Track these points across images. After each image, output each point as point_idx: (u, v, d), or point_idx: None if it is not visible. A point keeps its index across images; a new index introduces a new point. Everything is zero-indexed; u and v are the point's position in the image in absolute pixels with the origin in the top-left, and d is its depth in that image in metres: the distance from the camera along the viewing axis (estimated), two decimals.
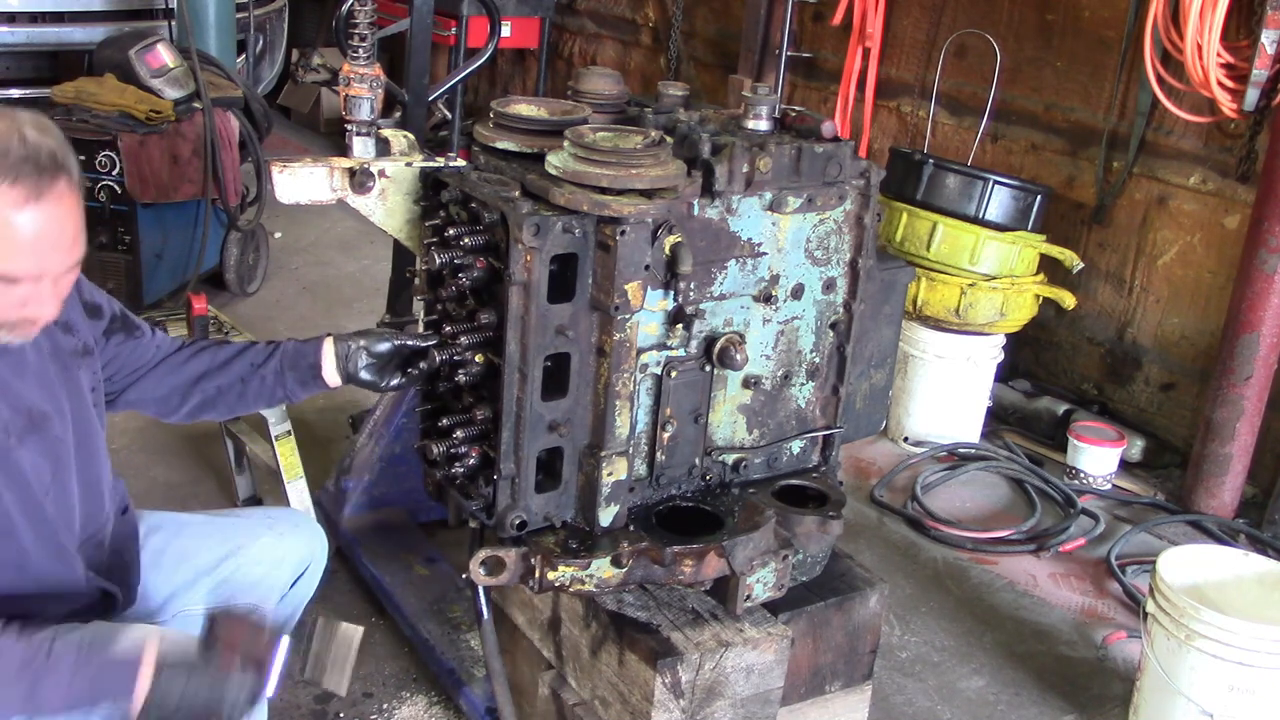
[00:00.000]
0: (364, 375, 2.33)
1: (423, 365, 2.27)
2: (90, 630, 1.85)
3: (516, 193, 2.15)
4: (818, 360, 2.53)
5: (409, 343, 2.33)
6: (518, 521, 2.23)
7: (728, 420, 2.46)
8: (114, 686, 1.80)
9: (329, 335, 2.35)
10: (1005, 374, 4.90)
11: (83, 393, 2.12)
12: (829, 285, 2.48)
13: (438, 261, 2.17)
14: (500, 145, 2.32)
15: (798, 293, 2.44)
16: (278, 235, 6.30)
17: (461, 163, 2.40)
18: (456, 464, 2.24)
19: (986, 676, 3.35)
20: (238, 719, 1.84)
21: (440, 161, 2.38)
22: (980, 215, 4.46)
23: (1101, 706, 3.26)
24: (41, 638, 1.79)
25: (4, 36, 5.31)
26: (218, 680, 1.83)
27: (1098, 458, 4.37)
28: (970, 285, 4.45)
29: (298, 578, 2.48)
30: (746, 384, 2.45)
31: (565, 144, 2.14)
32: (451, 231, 2.16)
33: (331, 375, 2.33)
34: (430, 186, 2.34)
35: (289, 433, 3.43)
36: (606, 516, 2.28)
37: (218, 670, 1.84)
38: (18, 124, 1.77)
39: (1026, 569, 3.89)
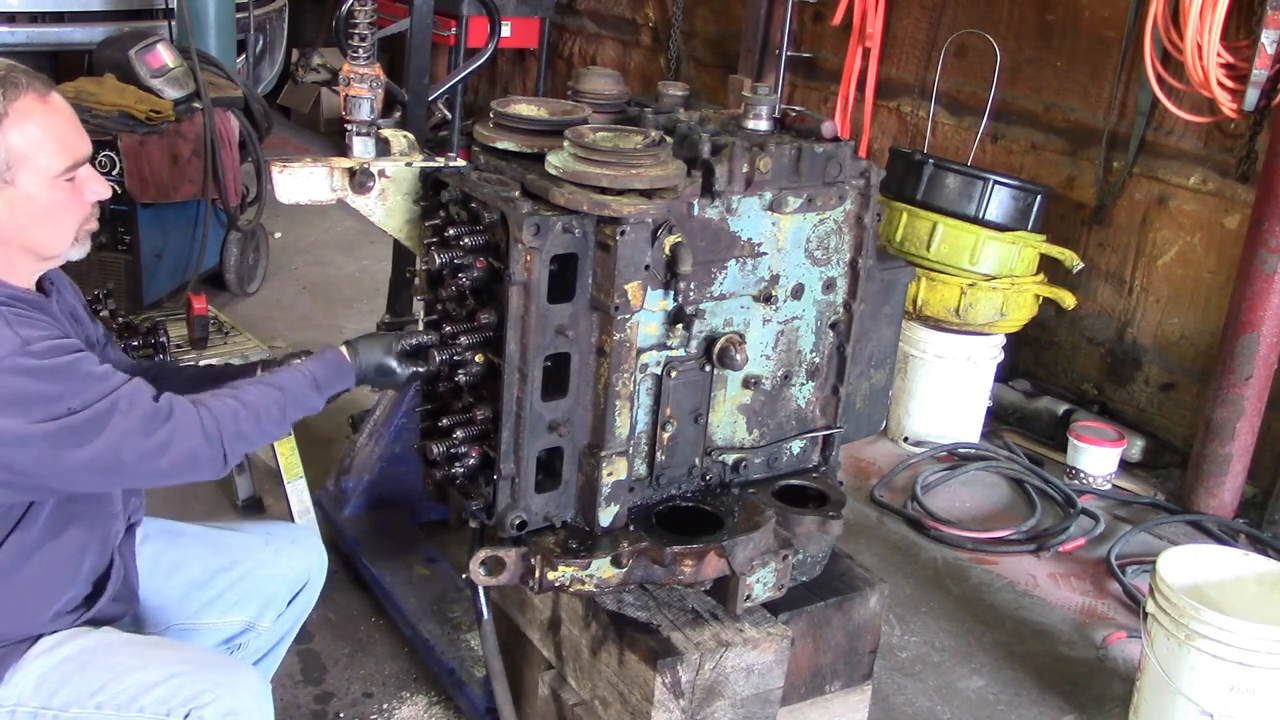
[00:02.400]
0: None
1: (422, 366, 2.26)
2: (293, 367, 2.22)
3: (516, 193, 2.15)
4: (818, 360, 2.53)
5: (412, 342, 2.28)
6: (518, 521, 2.23)
7: (728, 420, 2.46)
8: (334, 372, 2.20)
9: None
10: (1005, 374, 4.90)
11: None
12: (829, 285, 2.48)
13: (438, 261, 2.17)
14: (500, 145, 2.32)
15: (798, 293, 2.44)
16: (278, 235, 6.30)
17: (461, 163, 2.40)
18: (456, 464, 2.24)
19: (986, 676, 3.35)
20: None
21: (440, 161, 2.37)
22: (980, 215, 4.46)
23: (1101, 706, 3.26)
24: (265, 381, 2.15)
25: (4, 36, 5.30)
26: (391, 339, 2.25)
27: (1098, 458, 4.37)
28: (970, 285, 4.45)
29: (295, 594, 2.47)
30: (746, 384, 2.45)
31: (565, 144, 2.14)
32: (451, 231, 2.16)
33: None
34: (430, 186, 2.34)
35: (289, 433, 3.43)
36: (606, 516, 2.28)
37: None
38: None
39: (1026, 569, 3.89)
